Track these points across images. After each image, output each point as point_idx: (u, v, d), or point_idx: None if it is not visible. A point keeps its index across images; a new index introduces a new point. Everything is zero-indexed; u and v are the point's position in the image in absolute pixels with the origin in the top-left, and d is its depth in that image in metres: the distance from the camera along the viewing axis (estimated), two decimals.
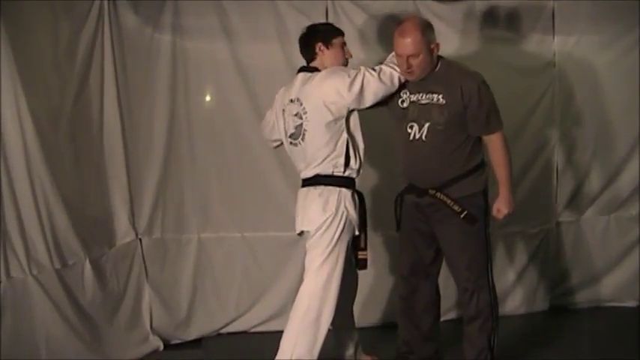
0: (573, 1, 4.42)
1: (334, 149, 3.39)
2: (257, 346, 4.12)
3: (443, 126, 3.32)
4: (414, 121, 3.38)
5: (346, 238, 3.42)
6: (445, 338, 3.82)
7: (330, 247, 3.38)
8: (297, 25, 4.13)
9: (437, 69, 3.36)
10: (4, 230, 3.33)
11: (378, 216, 4.05)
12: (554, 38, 4.45)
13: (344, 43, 3.52)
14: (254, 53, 4.13)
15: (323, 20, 4.13)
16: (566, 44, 4.47)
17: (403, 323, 3.70)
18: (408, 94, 3.42)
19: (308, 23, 4.11)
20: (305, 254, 3.50)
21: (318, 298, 3.38)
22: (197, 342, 4.24)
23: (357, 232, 3.46)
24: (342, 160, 3.39)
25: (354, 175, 3.46)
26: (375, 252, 4.22)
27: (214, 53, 4.12)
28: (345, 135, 3.39)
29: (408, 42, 3.24)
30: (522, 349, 4.05)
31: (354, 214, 3.42)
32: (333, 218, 3.38)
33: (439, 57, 3.37)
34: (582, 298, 4.73)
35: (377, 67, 3.41)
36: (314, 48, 3.48)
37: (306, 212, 3.45)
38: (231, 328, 4.32)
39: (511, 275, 4.58)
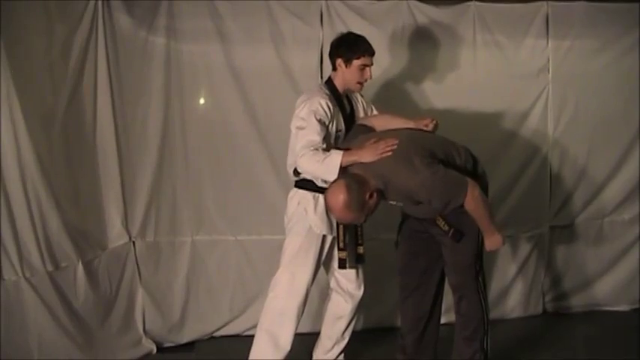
0: (568, 5, 4.44)
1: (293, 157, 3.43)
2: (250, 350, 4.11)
3: (413, 206, 3.35)
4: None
5: (311, 237, 3.47)
6: (445, 340, 3.83)
7: (294, 246, 3.48)
8: (291, 27, 4.15)
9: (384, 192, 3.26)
10: None
11: (376, 220, 4.03)
12: (548, 42, 4.46)
13: (366, 65, 3.48)
14: (248, 55, 4.13)
15: (317, 22, 4.15)
16: (561, 48, 4.48)
17: (402, 328, 3.70)
18: None
19: (302, 25, 4.14)
20: None
21: (282, 292, 3.48)
22: (190, 345, 4.22)
23: (319, 232, 3.47)
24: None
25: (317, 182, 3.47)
26: (372, 256, 4.23)
27: (208, 55, 4.11)
28: None
29: (348, 221, 3.30)
30: (516, 353, 4.06)
31: (312, 215, 3.45)
32: (292, 218, 3.49)
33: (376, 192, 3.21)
34: (576, 302, 4.74)
35: (319, 155, 3.23)
36: (335, 61, 3.51)
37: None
38: (224, 332, 4.31)
39: (505, 279, 4.59)
